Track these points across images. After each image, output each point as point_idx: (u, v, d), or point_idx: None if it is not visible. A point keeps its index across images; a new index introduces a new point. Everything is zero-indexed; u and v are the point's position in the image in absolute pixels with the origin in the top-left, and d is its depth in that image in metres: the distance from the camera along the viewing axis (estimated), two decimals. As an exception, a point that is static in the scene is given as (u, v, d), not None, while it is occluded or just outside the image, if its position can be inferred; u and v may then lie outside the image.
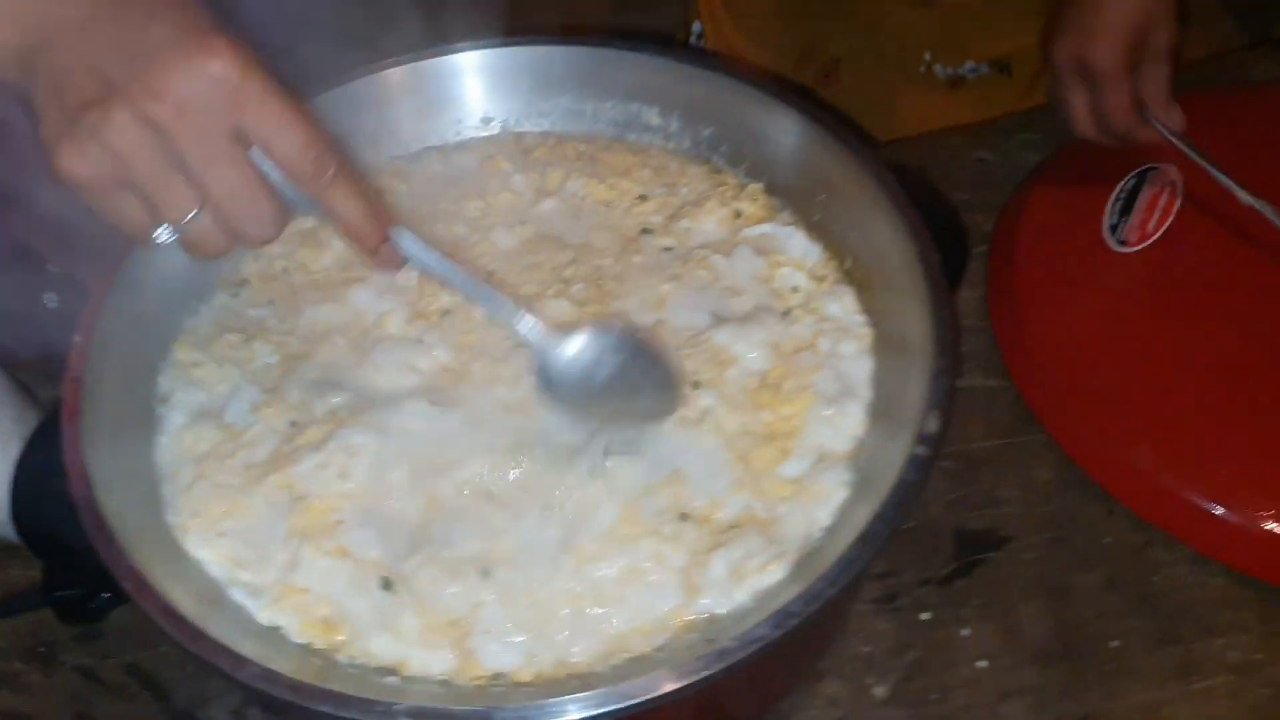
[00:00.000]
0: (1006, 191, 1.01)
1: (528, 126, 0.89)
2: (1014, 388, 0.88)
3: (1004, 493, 0.84)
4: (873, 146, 0.76)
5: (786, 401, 0.72)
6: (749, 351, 0.74)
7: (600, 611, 0.65)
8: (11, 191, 0.73)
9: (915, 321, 0.69)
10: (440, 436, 0.71)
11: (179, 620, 0.59)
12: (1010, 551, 0.81)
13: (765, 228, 0.81)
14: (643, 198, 0.83)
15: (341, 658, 0.64)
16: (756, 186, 0.83)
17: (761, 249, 0.80)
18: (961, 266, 0.79)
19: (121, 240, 0.63)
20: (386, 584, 0.66)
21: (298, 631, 0.65)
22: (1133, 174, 0.93)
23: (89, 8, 0.57)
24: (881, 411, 0.71)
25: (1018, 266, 0.91)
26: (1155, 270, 0.88)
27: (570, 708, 0.56)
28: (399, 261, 0.65)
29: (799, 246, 0.80)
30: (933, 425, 0.63)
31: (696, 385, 0.72)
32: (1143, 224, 0.90)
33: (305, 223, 0.85)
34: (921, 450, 0.62)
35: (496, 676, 0.63)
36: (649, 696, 0.56)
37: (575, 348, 0.67)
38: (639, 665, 0.63)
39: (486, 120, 0.89)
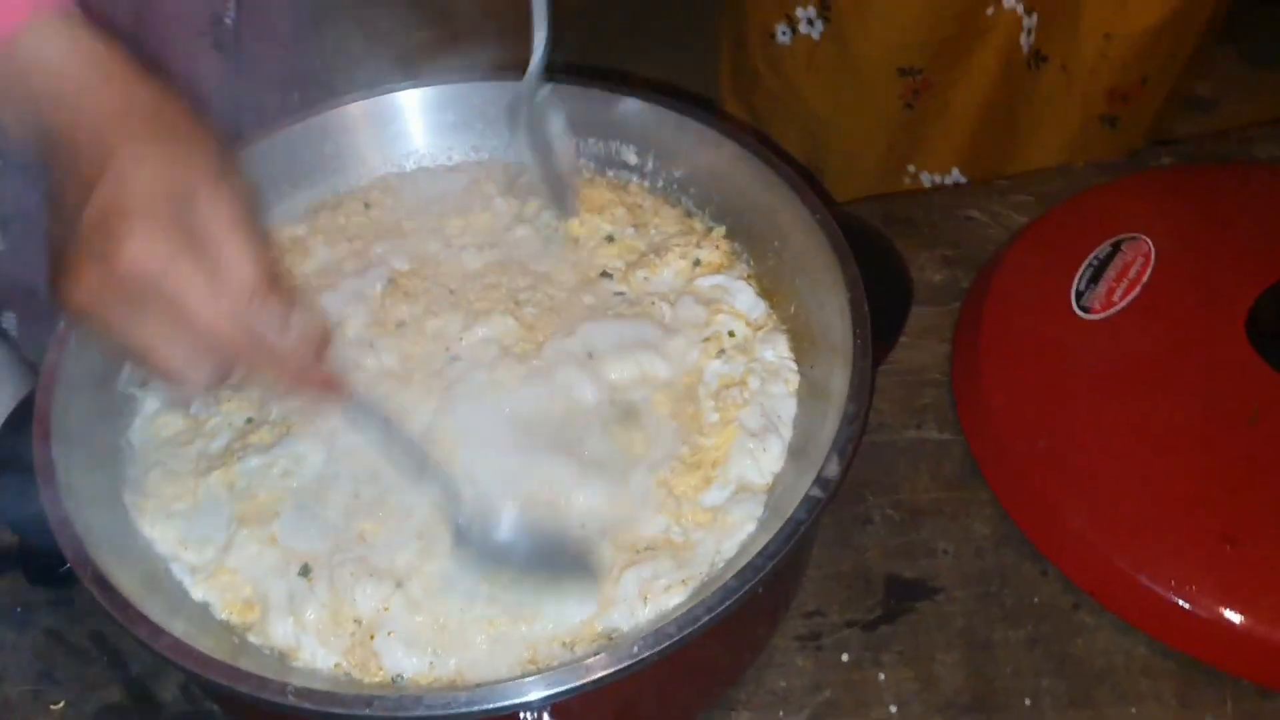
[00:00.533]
0: (990, 250, 1.03)
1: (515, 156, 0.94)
2: (965, 442, 0.90)
3: (941, 544, 0.85)
4: (823, 196, 0.78)
5: (714, 432, 0.75)
6: (679, 378, 0.77)
7: (513, 625, 0.69)
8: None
9: (838, 369, 0.72)
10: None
11: (110, 589, 0.64)
12: (939, 602, 0.83)
13: (719, 279, 0.85)
14: (610, 239, 0.87)
15: (252, 637, 0.68)
16: (719, 231, 0.86)
17: (708, 300, 0.83)
18: (900, 321, 0.81)
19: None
20: (305, 570, 0.70)
21: (222, 608, 0.70)
22: (1108, 243, 0.95)
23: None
24: (799, 451, 0.73)
25: (983, 325, 0.92)
26: (1114, 340, 0.89)
27: (457, 702, 0.59)
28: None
29: (746, 301, 0.83)
30: (832, 469, 0.66)
31: (631, 414, 0.76)
32: (1109, 293, 0.91)
33: (297, 229, 0.91)
34: (816, 491, 0.65)
35: (397, 678, 0.67)
36: (520, 700, 0.59)
37: (502, 530, 0.71)
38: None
39: (476, 148, 0.94)
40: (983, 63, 1.23)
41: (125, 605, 0.64)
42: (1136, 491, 0.81)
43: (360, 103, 0.92)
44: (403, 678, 0.67)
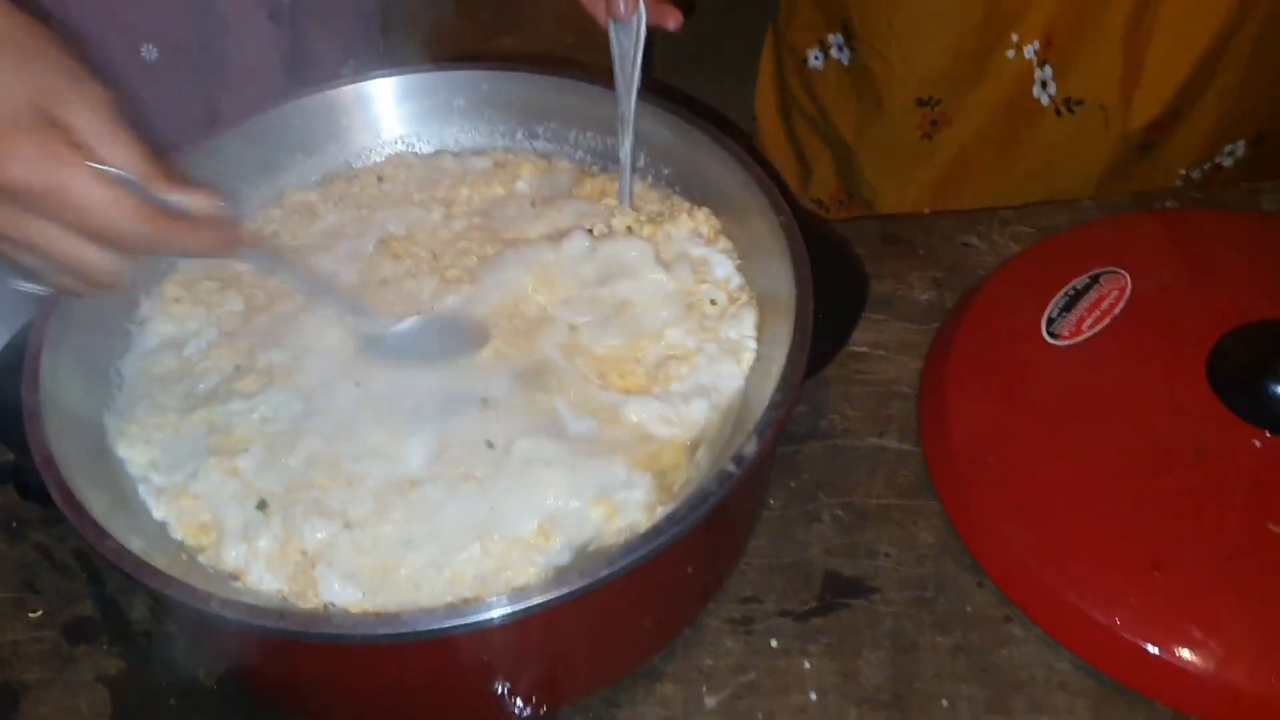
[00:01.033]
0: (980, 276, 1.05)
1: (525, 145, 1.00)
2: (924, 455, 0.92)
3: (884, 548, 0.87)
4: (788, 197, 0.82)
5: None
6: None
7: (450, 557, 0.72)
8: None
9: (778, 360, 0.75)
10: (355, 416, 0.80)
11: (68, 493, 0.69)
12: (873, 602, 0.85)
13: (705, 250, 0.88)
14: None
15: (202, 559, 0.73)
16: (703, 212, 0.90)
17: (695, 265, 0.87)
18: (851, 323, 0.84)
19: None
20: (262, 504, 0.75)
21: (179, 529, 0.75)
22: (1087, 275, 0.96)
23: None
24: (739, 428, 0.77)
25: (955, 342, 0.95)
26: (1077, 367, 0.90)
27: (375, 627, 0.63)
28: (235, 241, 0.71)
29: (725, 271, 0.87)
30: (750, 448, 0.69)
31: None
32: (1079, 321, 0.93)
33: (309, 195, 0.96)
34: (731, 467, 0.68)
35: (329, 605, 0.71)
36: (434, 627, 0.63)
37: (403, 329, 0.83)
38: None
39: (505, 135, 1.00)
40: (1000, 103, 1.24)
41: (79, 507, 0.69)
42: (1075, 511, 0.83)
43: (382, 80, 0.97)
44: (334, 605, 0.71)
